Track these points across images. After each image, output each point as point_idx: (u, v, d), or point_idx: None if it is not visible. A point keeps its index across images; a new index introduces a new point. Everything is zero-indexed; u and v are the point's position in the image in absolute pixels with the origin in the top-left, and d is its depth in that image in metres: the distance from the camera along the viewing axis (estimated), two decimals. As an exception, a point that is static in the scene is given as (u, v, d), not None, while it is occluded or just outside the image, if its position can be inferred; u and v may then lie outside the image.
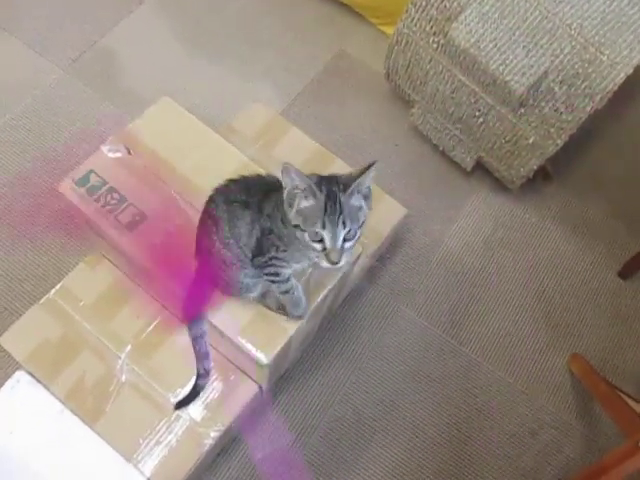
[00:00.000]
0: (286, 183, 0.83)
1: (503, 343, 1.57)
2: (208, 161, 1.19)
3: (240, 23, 1.96)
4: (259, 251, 0.95)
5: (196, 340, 1.11)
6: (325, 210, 0.81)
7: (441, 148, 1.74)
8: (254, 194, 0.95)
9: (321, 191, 0.82)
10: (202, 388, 1.15)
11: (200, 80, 1.84)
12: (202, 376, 1.14)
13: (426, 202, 1.71)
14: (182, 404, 1.15)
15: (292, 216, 0.85)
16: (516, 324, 1.60)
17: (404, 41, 1.60)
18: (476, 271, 1.66)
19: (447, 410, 1.48)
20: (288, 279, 0.98)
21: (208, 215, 0.98)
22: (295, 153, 1.43)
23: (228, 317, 1.06)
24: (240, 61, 1.90)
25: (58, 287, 1.27)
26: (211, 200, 0.99)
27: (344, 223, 0.82)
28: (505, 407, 1.50)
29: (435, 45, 1.53)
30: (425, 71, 1.60)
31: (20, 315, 1.25)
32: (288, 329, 1.05)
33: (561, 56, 1.38)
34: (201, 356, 1.13)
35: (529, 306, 1.63)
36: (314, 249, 0.84)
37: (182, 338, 1.22)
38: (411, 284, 1.61)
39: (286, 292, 1.01)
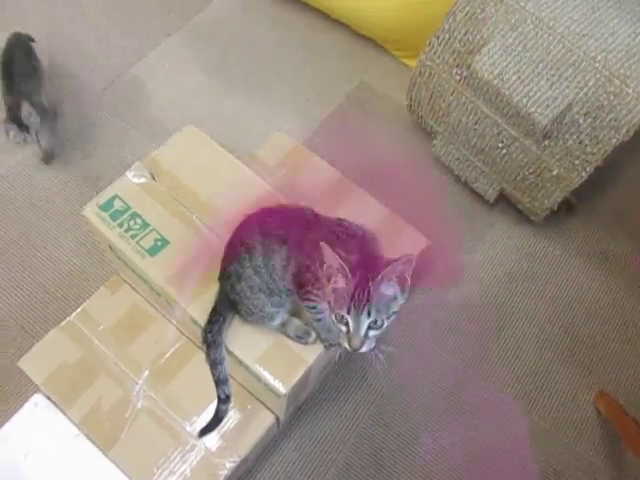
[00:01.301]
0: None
1: (527, 378, 1.53)
2: (231, 189, 1.20)
3: (264, 53, 2.00)
4: (299, 285, 0.95)
5: (215, 366, 1.08)
6: (352, 297, 0.80)
7: (463, 179, 1.73)
8: (292, 230, 0.94)
9: (354, 275, 0.80)
10: (224, 413, 1.10)
11: (224, 109, 1.87)
12: (223, 401, 1.09)
13: (447, 233, 1.70)
14: (205, 431, 1.10)
15: (325, 288, 0.85)
16: (540, 359, 1.56)
17: (427, 73, 1.61)
18: (499, 304, 1.63)
19: (470, 447, 1.43)
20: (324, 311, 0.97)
21: (240, 242, 0.98)
22: (316, 182, 1.43)
23: (246, 345, 1.06)
24: (263, 91, 1.93)
25: (79, 311, 1.27)
26: (245, 227, 0.99)
27: (369, 313, 0.81)
28: (527, 445, 1.45)
29: (458, 77, 1.54)
30: (448, 103, 1.61)
31: (40, 337, 1.26)
32: (307, 358, 1.04)
33: (585, 88, 1.38)
34: (221, 381, 1.09)
35: (554, 341, 1.59)
36: (339, 329, 0.84)
37: (200, 365, 1.21)
38: (432, 316, 1.58)
39: (319, 320, 1.00)
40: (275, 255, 0.94)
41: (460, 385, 1.50)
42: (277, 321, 1.04)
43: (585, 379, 1.54)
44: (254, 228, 0.98)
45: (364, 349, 0.83)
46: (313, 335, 1.06)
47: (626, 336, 1.61)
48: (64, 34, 1.98)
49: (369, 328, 0.82)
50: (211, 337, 1.03)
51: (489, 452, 1.43)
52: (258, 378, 1.03)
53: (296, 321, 1.07)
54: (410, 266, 0.82)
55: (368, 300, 0.80)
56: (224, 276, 1.03)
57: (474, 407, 1.48)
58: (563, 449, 1.45)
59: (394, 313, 0.84)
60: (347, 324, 0.82)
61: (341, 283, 0.82)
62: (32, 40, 1.72)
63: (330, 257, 0.81)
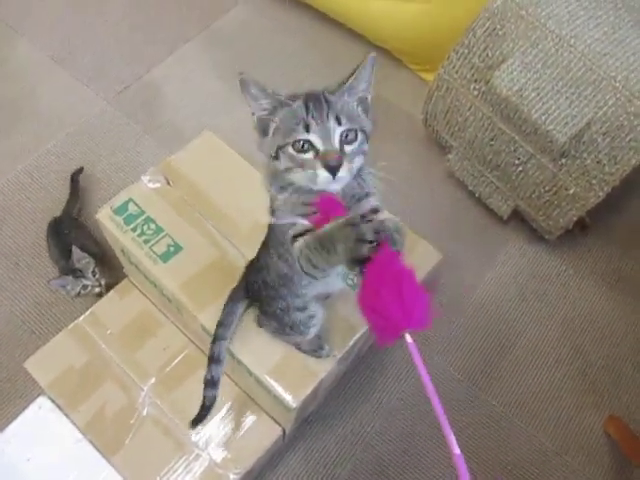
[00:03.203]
0: (252, 106, 0.70)
1: (536, 399, 1.51)
2: (246, 196, 1.19)
3: (280, 62, 2.00)
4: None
5: (215, 342, 1.01)
6: (307, 109, 0.67)
7: (477, 195, 1.72)
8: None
9: (297, 98, 0.69)
10: (212, 400, 1.05)
11: (239, 116, 1.86)
12: (209, 385, 1.03)
13: (460, 249, 1.68)
14: (196, 422, 1.06)
15: (269, 142, 0.70)
16: (550, 380, 1.53)
17: (444, 87, 1.60)
18: (510, 322, 1.61)
19: (475, 468, 1.41)
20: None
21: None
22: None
23: (257, 356, 1.04)
24: (279, 100, 1.93)
25: (87, 314, 1.27)
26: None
27: (337, 119, 0.66)
28: (536, 468, 1.42)
29: (476, 92, 1.53)
30: (464, 117, 1.60)
31: (48, 339, 1.25)
32: (318, 372, 1.02)
33: (605, 108, 1.36)
34: (214, 360, 1.01)
35: (564, 362, 1.56)
36: (305, 163, 0.67)
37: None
38: (441, 332, 1.57)
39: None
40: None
41: (467, 402, 1.48)
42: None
43: (595, 402, 1.52)
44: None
45: (344, 171, 0.67)
46: (327, 348, 1.04)
47: (638, 359, 1.58)
48: (84, 38, 1.99)
49: (342, 143, 0.67)
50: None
51: (493, 470, 1.40)
52: (268, 390, 1.01)
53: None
54: (372, 71, 0.70)
55: (329, 107, 0.67)
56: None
57: (480, 424, 1.46)
58: (571, 472, 1.42)
59: (365, 131, 0.70)
60: (311, 145, 0.66)
61: (282, 113, 0.68)
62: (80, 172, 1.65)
63: (257, 91, 0.69)
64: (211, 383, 1.04)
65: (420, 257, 1.37)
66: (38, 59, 1.93)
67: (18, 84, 1.88)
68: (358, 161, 0.69)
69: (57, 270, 1.44)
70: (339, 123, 0.67)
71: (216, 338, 1.02)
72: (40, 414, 1.20)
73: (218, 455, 1.15)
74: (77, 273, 1.36)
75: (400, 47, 1.97)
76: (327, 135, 0.66)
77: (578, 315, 1.63)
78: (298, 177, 0.69)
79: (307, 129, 0.66)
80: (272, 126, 0.69)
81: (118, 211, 1.14)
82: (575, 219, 1.54)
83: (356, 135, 0.69)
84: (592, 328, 1.62)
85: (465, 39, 1.50)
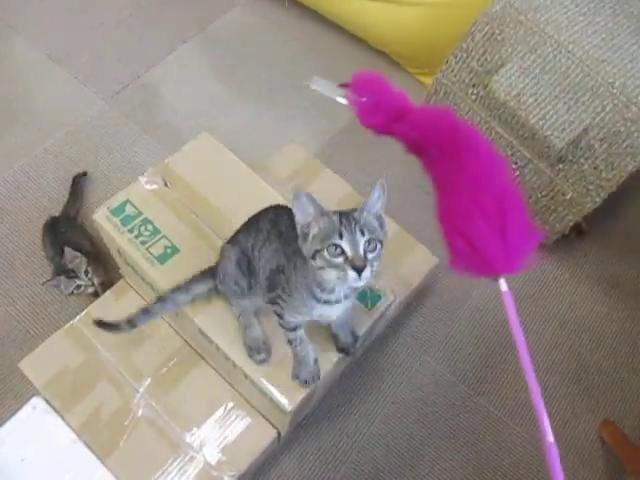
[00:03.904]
0: (298, 216, 0.83)
1: (531, 404, 1.50)
2: (243, 198, 1.19)
3: (279, 65, 2.00)
4: (271, 287, 0.96)
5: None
6: (341, 222, 0.80)
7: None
8: (290, 230, 0.94)
9: (334, 213, 0.82)
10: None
11: (237, 118, 1.87)
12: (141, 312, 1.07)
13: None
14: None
15: (309, 245, 0.83)
16: (545, 385, 1.54)
17: (442, 91, 1.61)
18: (505, 326, 1.59)
19: (470, 471, 1.41)
20: (294, 329, 0.97)
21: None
22: (328, 195, 1.42)
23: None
24: (277, 102, 1.93)
25: (82, 314, 1.26)
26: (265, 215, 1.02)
27: (362, 232, 0.80)
28: (532, 473, 1.42)
29: (474, 97, 1.53)
30: (462, 121, 1.60)
31: (43, 339, 1.25)
32: (314, 375, 1.02)
33: (602, 114, 1.37)
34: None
35: (559, 367, 1.57)
36: (337, 266, 0.80)
37: (203, 376, 1.20)
38: (437, 336, 1.57)
39: (290, 342, 0.99)
40: (268, 245, 0.96)
41: (463, 406, 1.48)
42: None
43: (590, 407, 1.52)
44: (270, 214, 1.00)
45: (367, 273, 0.79)
46: (262, 356, 1.04)
47: (634, 365, 1.59)
48: (82, 38, 1.98)
49: (366, 250, 0.80)
50: None
51: (489, 475, 1.41)
52: (264, 393, 1.01)
53: (257, 330, 1.05)
54: (377, 195, 0.82)
55: (357, 222, 0.80)
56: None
57: (476, 429, 1.46)
58: (565, 477, 1.42)
59: (382, 243, 0.82)
60: (342, 251, 0.79)
61: (323, 223, 0.81)
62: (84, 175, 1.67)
63: (308, 200, 0.81)
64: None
65: (417, 261, 1.38)
66: (36, 58, 1.92)
67: (15, 83, 1.87)
68: (376, 264, 0.81)
69: (52, 269, 1.44)
70: (363, 234, 0.80)
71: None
72: (34, 415, 1.19)
73: (213, 457, 1.15)
74: (70, 273, 1.35)
75: (399, 51, 1.98)
76: (355, 243, 0.79)
77: (574, 320, 1.64)
78: (330, 275, 0.81)
79: (340, 237, 0.79)
80: (312, 232, 0.82)
81: (115, 212, 1.14)
82: (572, 224, 1.55)
83: (376, 245, 0.81)
84: (588, 333, 1.62)
85: (464, 43, 1.50)
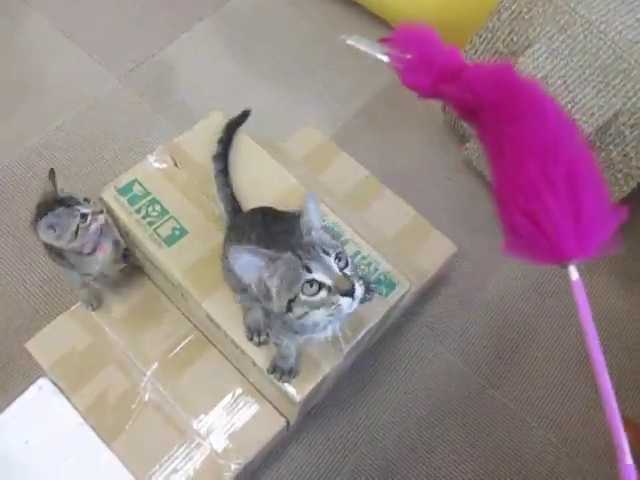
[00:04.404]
0: (247, 277, 0.72)
1: (548, 399, 1.46)
2: (254, 180, 1.16)
3: (295, 46, 1.95)
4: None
5: None
6: (298, 256, 0.70)
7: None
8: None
9: (279, 252, 0.72)
10: None
11: (251, 99, 1.81)
12: None
13: (474, 240, 1.63)
14: None
15: (277, 301, 0.72)
16: (564, 380, 1.49)
17: (465, 73, 1.54)
18: (523, 318, 1.56)
19: (484, 466, 1.37)
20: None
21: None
22: (343, 179, 1.38)
23: (262, 348, 1.01)
24: (292, 83, 1.88)
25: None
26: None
27: (326, 252, 0.70)
28: (546, 469, 1.38)
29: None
30: (485, 105, 1.54)
31: (51, 319, 1.23)
32: (324, 366, 0.99)
33: (634, 98, 1.30)
34: None
35: (579, 361, 1.51)
36: (322, 303, 0.69)
37: (211, 361, 1.17)
38: (452, 326, 1.53)
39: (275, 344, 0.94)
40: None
41: (477, 399, 1.44)
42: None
43: (610, 403, 1.47)
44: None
45: (359, 290, 0.69)
46: (263, 337, 0.99)
47: (657, 362, 1.53)
48: (96, 14, 1.95)
49: (342, 270, 0.70)
50: None
51: (503, 470, 1.37)
52: (272, 382, 0.98)
53: (259, 312, 0.99)
54: (311, 209, 0.73)
55: (313, 246, 0.70)
56: None
57: (490, 422, 1.42)
58: (581, 475, 1.38)
59: (344, 253, 0.73)
60: (319, 284, 0.69)
61: (280, 270, 0.71)
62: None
63: (251, 257, 0.71)
64: None
65: (434, 248, 1.33)
66: (50, 34, 1.89)
67: (29, 59, 1.85)
68: (357, 274, 0.73)
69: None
70: (328, 254, 0.70)
71: None
72: (40, 396, 1.18)
73: (219, 444, 1.12)
74: (66, 201, 0.96)
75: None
76: (328, 268, 0.69)
77: (595, 315, 1.57)
78: (319, 316, 0.70)
79: (309, 270, 0.69)
80: (273, 285, 0.71)
81: (122, 191, 1.11)
82: (597, 214, 1.49)
83: (345, 259, 0.72)
84: (607, 328, 1.56)
85: (489, 22, 1.44)
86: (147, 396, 1.16)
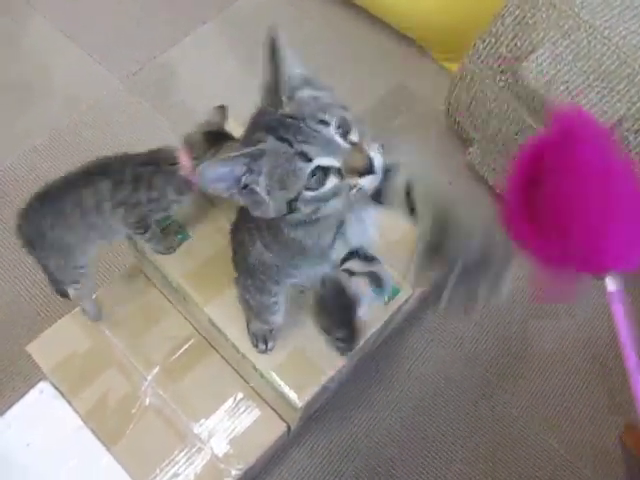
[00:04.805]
0: (222, 186, 0.55)
1: (551, 404, 1.46)
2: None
3: (299, 47, 1.94)
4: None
5: None
6: (283, 139, 0.54)
7: (498, 190, 1.66)
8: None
9: (260, 141, 0.56)
10: None
11: (252, 101, 1.82)
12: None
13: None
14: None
15: (272, 204, 0.56)
16: (567, 385, 1.48)
17: (469, 77, 1.54)
18: (527, 323, 1.56)
19: (485, 471, 1.37)
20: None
21: None
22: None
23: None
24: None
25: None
26: None
27: (322, 121, 0.54)
28: (547, 474, 1.38)
29: (502, 84, 1.47)
30: (488, 110, 1.54)
31: (53, 322, 1.22)
32: (327, 371, 0.98)
33: (638, 104, 1.29)
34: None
35: (583, 368, 1.51)
36: (335, 191, 0.55)
37: (213, 365, 1.17)
38: (456, 331, 1.52)
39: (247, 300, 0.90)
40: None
41: (480, 404, 1.44)
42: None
43: (612, 410, 1.47)
44: None
45: (377, 157, 0.55)
46: (269, 345, 0.98)
47: (659, 368, 1.52)
48: (98, 15, 1.95)
49: (343, 135, 0.55)
50: None
51: (503, 474, 1.37)
52: (274, 387, 0.98)
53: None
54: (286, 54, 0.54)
55: (302, 119, 0.54)
56: None
57: (493, 428, 1.42)
58: (583, 481, 1.38)
59: (344, 107, 0.58)
60: (326, 169, 0.53)
61: (263, 164, 0.55)
62: None
63: (225, 166, 0.55)
64: None
65: (437, 253, 1.32)
66: (52, 35, 1.89)
67: (31, 61, 1.85)
68: (365, 133, 0.56)
69: None
70: (326, 123, 0.55)
71: None
72: (41, 399, 1.17)
73: (220, 449, 1.12)
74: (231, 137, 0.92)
75: (425, 35, 1.90)
76: (330, 145, 0.54)
77: (600, 320, 1.58)
78: (335, 207, 0.56)
79: (306, 158, 0.53)
80: (260, 187, 0.55)
81: (125, 195, 1.10)
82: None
83: (346, 119, 0.57)
84: (613, 334, 1.54)
85: (493, 27, 1.44)
86: (148, 400, 1.15)
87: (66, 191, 0.99)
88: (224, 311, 1.02)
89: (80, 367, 1.17)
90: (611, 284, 0.47)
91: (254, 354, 1.00)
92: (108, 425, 1.13)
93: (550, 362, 1.51)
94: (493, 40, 1.45)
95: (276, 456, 1.31)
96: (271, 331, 0.98)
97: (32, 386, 1.19)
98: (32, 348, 1.18)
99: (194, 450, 1.12)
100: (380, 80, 1.90)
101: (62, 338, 1.19)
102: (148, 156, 0.97)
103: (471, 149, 1.67)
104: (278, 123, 0.55)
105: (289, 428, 1.15)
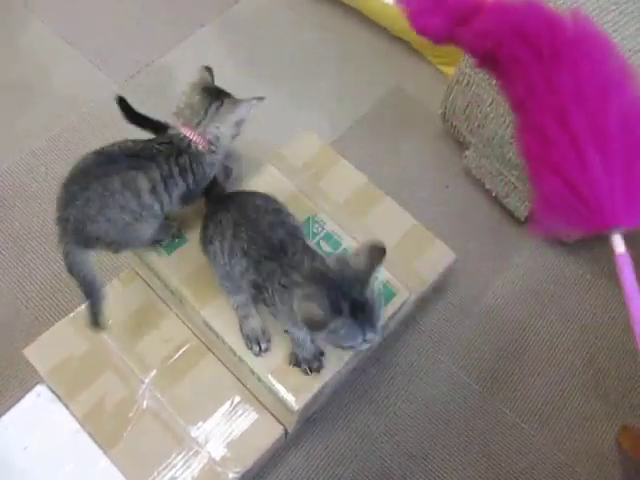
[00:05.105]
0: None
1: (547, 407, 1.46)
2: (254, 187, 1.16)
3: (297, 52, 1.95)
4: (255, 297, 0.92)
5: None
6: (360, 325, 0.68)
7: (494, 194, 1.66)
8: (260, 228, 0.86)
9: (339, 311, 0.68)
10: None
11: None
12: None
13: (474, 248, 1.63)
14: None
15: (312, 337, 0.76)
16: (562, 388, 1.49)
17: (465, 81, 1.55)
18: (522, 327, 1.56)
19: (482, 474, 1.37)
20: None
21: None
22: (342, 186, 1.38)
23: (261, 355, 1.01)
24: (294, 89, 1.88)
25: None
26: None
27: (377, 316, 0.68)
28: (544, 478, 1.38)
29: (498, 87, 1.47)
30: (485, 114, 1.54)
31: (49, 326, 1.22)
32: (324, 374, 0.99)
33: (633, 108, 1.30)
34: None
35: (577, 370, 1.51)
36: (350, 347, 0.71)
37: (210, 368, 1.17)
38: (452, 334, 1.52)
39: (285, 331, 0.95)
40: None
41: (476, 407, 1.44)
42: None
43: (609, 412, 1.47)
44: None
45: (380, 333, 0.69)
46: (264, 346, 1.00)
47: (655, 371, 1.53)
48: (97, 20, 1.95)
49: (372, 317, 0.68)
50: None
51: (501, 478, 1.37)
52: (270, 391, 0.98)
53: (256, 320, 1.01)
54: None
55: (371, 307, 0.70)
56: None
57: (489, 430, 1.42)
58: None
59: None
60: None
61: (343, 330, 0.71)
62: None
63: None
64: None
65: (433, 257, 1.33)
66: (51, 40, 1.89)
67: (29, 64, 1.85)
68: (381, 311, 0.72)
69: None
70: (378, 317, 0.69)
71: None
72: (38, 403, 1.18)
73: (217, 453, 1.12)
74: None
75: (420, 39, 1.90)
76: (376, 331, 0.68)
77: (594, 322, 1.58)
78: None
79: (365, 339, 0.68)
80: (328, 339, 0.72)
81: (123, 199, 1.10)
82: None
83: (379, 313, 0.71)
84: (608, 337, 1.56)
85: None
86: (145, 404, 1.15)
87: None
88: (220, 314, 1.03)
89: (77, 370, 1.17)
90: (619, 244, 0.42)
91: (251, 357, 1.00)
92: (105, 428, 1.13)
93: (547, 365, 1.51)
94: (489, 44, 1.46)
95: (273, 459, 1.31)
96: (263, 332, 0.99)
97: (29, 389, 1.19)
98: (29, 352, 1.19)
99: (191, 453, 1.12)
100: (378, 83, 1.90)
101: (59, 342, 1.20)
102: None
103: (467, 152, 1.68)
104: (351, 295, 0.69)
105: (286, 431, 1.16)
